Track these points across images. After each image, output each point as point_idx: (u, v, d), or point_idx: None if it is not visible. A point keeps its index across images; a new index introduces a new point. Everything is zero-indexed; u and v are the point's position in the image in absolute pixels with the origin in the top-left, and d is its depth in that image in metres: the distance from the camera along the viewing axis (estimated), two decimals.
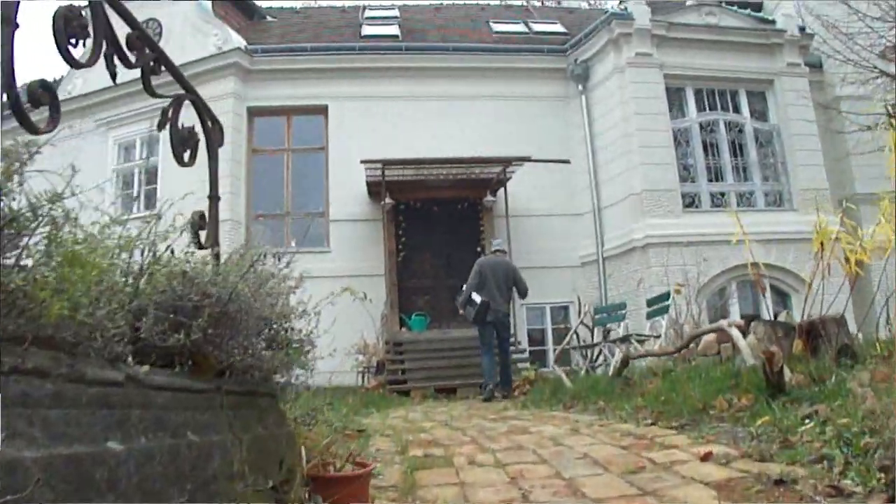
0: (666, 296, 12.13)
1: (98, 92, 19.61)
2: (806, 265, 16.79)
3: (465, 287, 12.98)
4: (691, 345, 9.28)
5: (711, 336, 9.25)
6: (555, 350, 18.14)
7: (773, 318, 6.01)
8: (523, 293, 13.19)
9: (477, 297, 12.49)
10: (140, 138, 19.94)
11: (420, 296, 17.87)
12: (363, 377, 16.42)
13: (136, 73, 3.21)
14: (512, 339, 15.67)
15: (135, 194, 19.81)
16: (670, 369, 7.68)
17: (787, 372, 5.27)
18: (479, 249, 17.84)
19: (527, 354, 16.98)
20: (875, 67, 17.62)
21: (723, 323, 6.64)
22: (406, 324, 17.45)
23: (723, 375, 5.99)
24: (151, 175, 19.58)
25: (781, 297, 17.58)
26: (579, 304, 17.66)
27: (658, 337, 11.17)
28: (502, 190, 17.59)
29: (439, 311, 17.52)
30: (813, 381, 5.26)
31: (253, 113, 19.34)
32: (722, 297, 17.43)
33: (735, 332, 6.17)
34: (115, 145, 20.21)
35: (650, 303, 12.81)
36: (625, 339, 11.85)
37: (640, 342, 11.49)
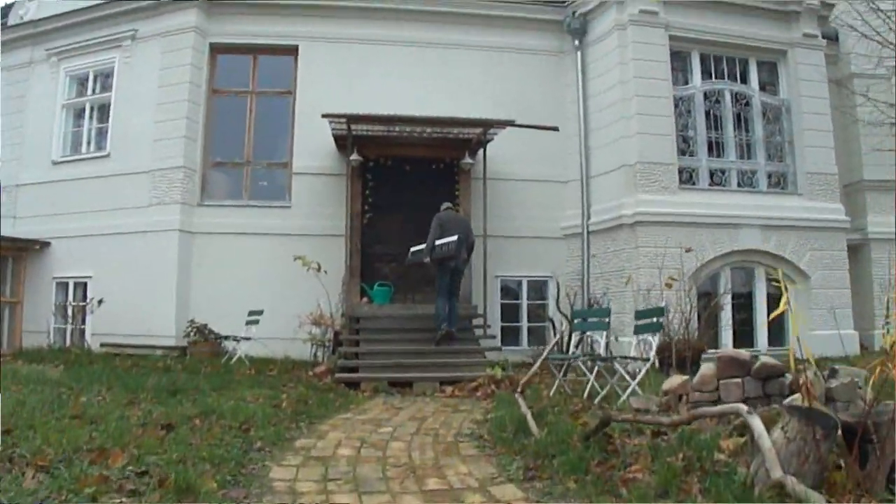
0: (659, 311, 10.56)
1: (51, 18, 18.27)
2: (806, 255, 15.59)
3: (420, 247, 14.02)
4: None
5: (710, 369, 7.79)
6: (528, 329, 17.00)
7: (808, 408, 4.30)
8: (471, 247, 14.27)
9: (441, 241, 13.59)
10: (93, 71, 18.39)
11: (385, 263, 16.38)
12: (317, 353, 15.21)
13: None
14: (479, 322, 15.01)
15: (85, 132, 18.33)
16: (661, 432, 6.13)
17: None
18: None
19: (497, 342, 15.56)
20: (892, 44, 16.10)
21: (741, 408, 5.02)
22: (368, 294, 15.96)
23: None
24: (104, 111, 18.09)
25: (777, 289, 16.14)
26: (558, 289, 16.17)
27: (647, 360, 9.62)
28: (482, 151, 15.98)
29: (406, 281, 16.03)
30: None
31: (216, 50, 17.69)
32: (714, 284, 15.96)
33: (757, 425, 4.61)
34: (66, 77, 18.63)
35: (639, 315, 11.22)
36: (607, 360, 10.30)
37: (626, 366, 9.94)
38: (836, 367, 7.07)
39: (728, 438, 5.76)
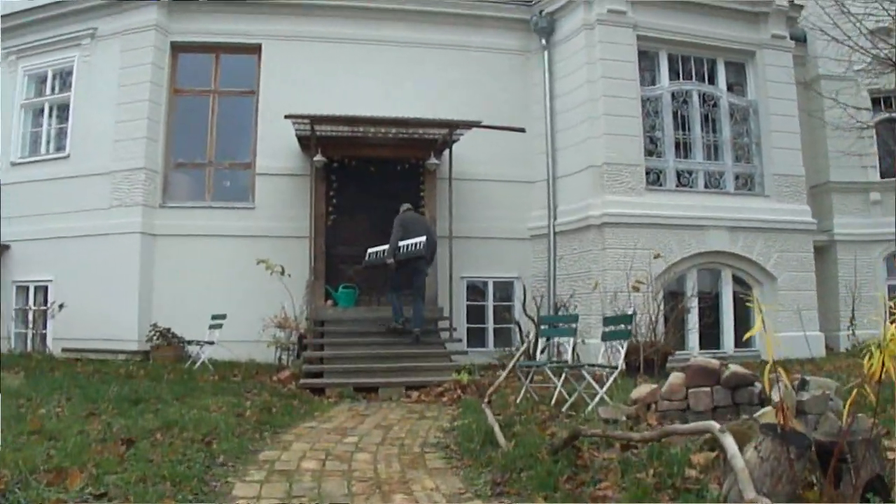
0: (627, 318, 10.41)
1: (9, 16, 17.64)
2: (773, 257, 15.58)
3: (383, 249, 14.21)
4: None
5: (679, 378, 7.66)
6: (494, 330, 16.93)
7: (783, 427, 4.15)
8: (433, 246, 14.20)
9: (406, 242, 13.83)
10: (52, 70, 18.00)
11: (350, 265, 16.07)
12: (281, 357, 15.00)
13: None
14: (445, 324, 14.91)
15: (44, 132, 17.99)
16: (631, 445, 5.96)
17: None
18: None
19: (463, 345, 15.33)
20: (863, 48, 16.12)
21: (713, 426, 4.86)
22: (332, 296, 15.77)
23: None
24: (63, 112, 17.74)
25: (744, 289, 16.14)
26: (524, 291, 16.06)
27: (615, 368, 9.45)
28: (448, 151, 15.84)
29: (370, 283, 15.80)
30: None
31: (177, 48, 17.32)
32: (681, 286, 15.89)
33: (730, 445, 4.45)
34: (24, 76, 18.21)
35: (608, 321, 11.06)
36: (574, 368, 10.13)
37: (594, 373, 9.79)
38: (807, 377, 6.96)
39: (699, 452, 5.63)
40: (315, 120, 14.63)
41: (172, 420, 8.09)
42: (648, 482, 5.10)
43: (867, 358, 4.06)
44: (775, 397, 5.33)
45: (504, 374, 10.29)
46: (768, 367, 4.39)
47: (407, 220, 14.19)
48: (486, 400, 9.26)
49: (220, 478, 6.16)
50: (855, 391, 4.26)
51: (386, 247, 14.11)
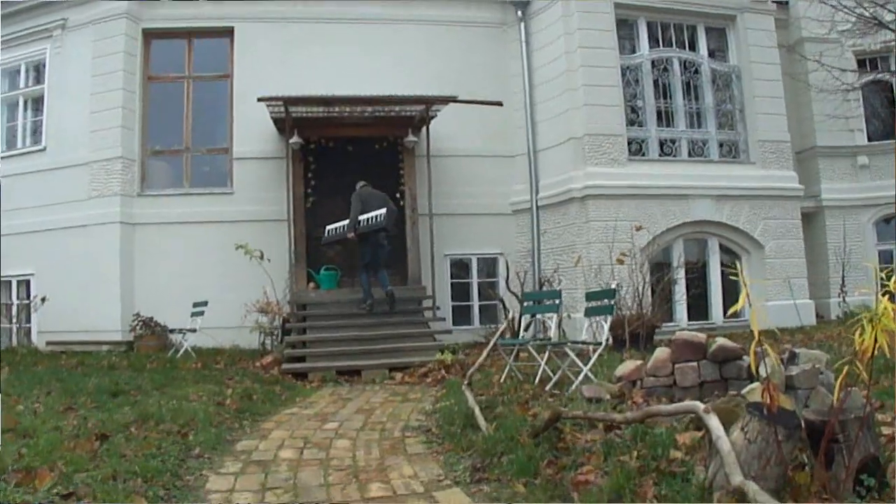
0: (610, 293, 10.15)
1: None
2: (759, 225, 15.44)
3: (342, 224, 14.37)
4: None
5: (665, 353, 7.49)
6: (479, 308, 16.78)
7: (769, 412, 3.94)
8: (392, 215, 14.22)
9: (364, 217, 13.96)
10: (25, 63, 17.77)
11: (330, 246, 15.81)
12: (265, 342, 14.82)
13: None
14: (429, 304, 14.81)
15: (20, 126, 17.81)
16: (615, 426, 5.77)
17: None
18: (398, 195, 16.10)
19: (448, 324, 15.23)
20: (846, 8, 15.91)
21: (697, 406, 4.68)
22: (314, 279, 15.61)
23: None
24: (38, 104, 17.59)
25: (731, 258, 15.98)
26: (507, 268, 15.88)
27: (599, 345, 9.23)
28: (426, 128, 15.63)
29: (352, 264, 15.51)
30: None
31: (149, 35, 17.05)
32: (666, 257, 15.72)
33: (715, 426, 4.26)
34: None
35: (590, 296, 10.79)
36: (557, 346, 9.92)
37: (578, 351, 9.57)
38: (796, 350, 6.76)
39: (685, 432, 5.43)
40: (288, 101, 14.39)
41: (149, 412, 7.87)
42: (632, 465, 4.89)
43: (858, 333, 3.87)
44: (763, 373, 5.15)
45: (484, 354, 10.07)
46: (754, 343, 4.19)
47: (364, 195, 14.27)
48: (465, 381, 9.07)
49: (194, 471, 6.01)
50: (845, 369, 4.06)
51: (345, 222, 14.14)
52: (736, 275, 4.29)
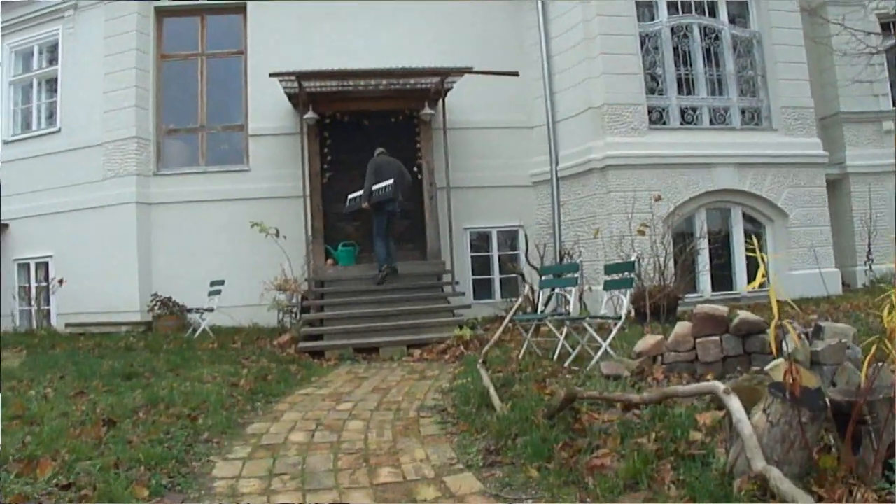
0: (630, 265, 9.88)
1: None
2: (783, 193, 15.15)
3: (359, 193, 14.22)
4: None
5: (686, 327, 7.28)
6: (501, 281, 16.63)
7: (791, 395, 3.70)
8: (407, 185, 14.43)
9: (379, 185, 13.85)
10: (38, 45, 17.70)
11: (349, 222, 15.82)
12: (283, 320, 14.77)
13: None
14: (448, 278, 14.66)
15: (35, 108, 17.78)
16: (633, 405, 5.58)
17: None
18: (415, 168, 15.90)
19: (467, 299, 15.08)
20: None
21: (717, 387, 4.47)
22: (332, 255, 15.50)
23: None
24: (52, 86, 17.53)
25: (755, 227, 15.71)
26: (526, 241, 15.66)
27: (619, 319, 8.99)
28: (441, 100, 15.42)
29: (372, 239, 15.23)
30: None
31: (161, 13, 16.94)
32: (689, 227, 15.46)
33: (736, 408, 4.05)
34: (11, 53, 17.94)
35: (609, 269, 10.51)
36: (576, 321, 9.70)
37: (597, 326, 9.35)
38: (822, 323, 6.52)
39: (705, 412, 5.22)
40: (301, 76, 14.21)
41: (159, 396, 7.76)
42: (649, 448, 4.70)
43: (886, 311, 3.64)
44: (787, 349, 4.94)
45: (499, 331, 9.86)
46: (773, 322, 3.97)
47: (379, 164, 14.19)
48: (481, 360, 8.88)
49: (201, 457, 5.87)
50: (874, 347, 3.84)
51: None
52: (753, 251, 4.05)
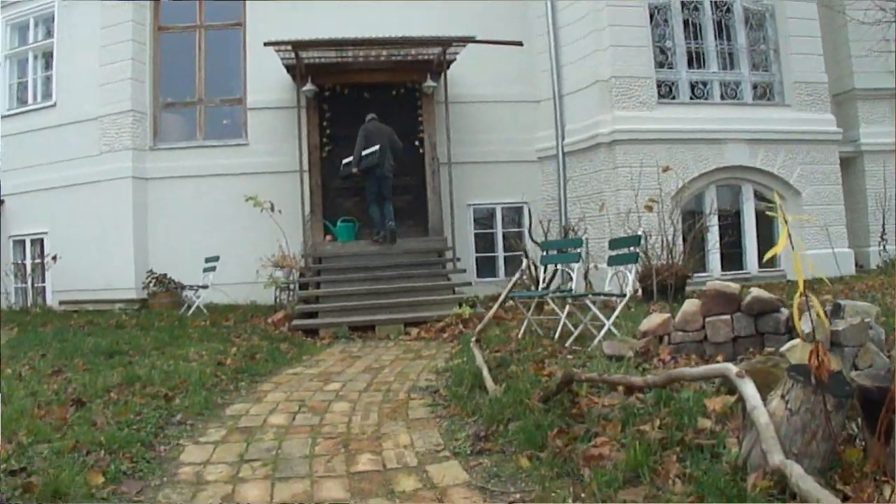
0: (635, 240, 9.40)
1: None
2: (796, 170, 14.71)
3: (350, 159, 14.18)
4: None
5: (694, 305, 6.85)
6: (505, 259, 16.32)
7: (817, 379, 3.25)
8: (398, 151, 14.44)
9: (367, 151, 13.89)
10: (34, 17, 17.35)
11: (348, 197, 15.51)
12: (280, 297, 14.43)
13: None
14: (448, 255, 14.61)
15: (30, 82, 17.44)
16: (636, 388, 5.15)
17: None
18: (416, 143, 15.60)
19: (468, 276, 14.76)
20: None
21: (728, 369, 4.00)
22: (331, 231, 15.11)
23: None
24: (48, 59, 17.22)
25: (767, 207, 15.27)
26: (529, 217, 15.23)
27: (623, 297, 8.56)
28: (443, 72, 15.10)
29: (371, 215, 14.90)
30: None
31: None
32: (698, 205, 15.03)
33: (750, 394, 3.60)
34: (6, 26, 17.60)
35: (614, 244, 10.04)
36: (578, 297, 9.26)
37: (599, 303, 8.92)
38: (841, 301, 6.07)
39: (715, 397, 4.75)
40: (297, 45, 13.86)
41: (137, 375, 7.37)
42: (653, 437, 4.24)
43: None
44: (805, 329, 4.49)
45: (493, 308, 9.41)
46: (798, 294, 3.53)
47: (370, 130, 14.17)
48: (474, 338, 8.45)
49: (171, 440, 5.52)
50: None
51: None
52: (774, 210, 3.59)
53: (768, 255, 4.34)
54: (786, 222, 3.51)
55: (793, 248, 3.53)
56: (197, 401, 6.52)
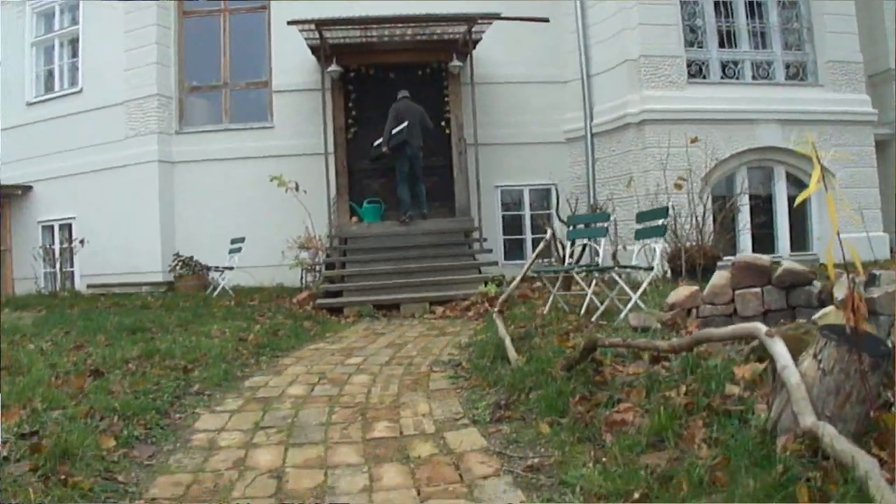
0: (662, 212, 9.20)
1: None
2: (829, 152, 14.41)
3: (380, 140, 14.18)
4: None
5: (724, 278, 6.66)
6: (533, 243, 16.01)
7: (853, 330, 3.06)
8: (428, 130, 14.47)
9: (397, 129, 13.83)
10: (59, 5, 17.40)
11: (374, 179, 15.55)
12: (306, 278, 14.40)
13: None
14: (475, 235, 14.53)
15: (57, 69, 17.52)
16: (662, 357, 5.00)
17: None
18: (442, 124, 15.55)
19: (495, 256, 14.70)
20: None
21: (758, 328, 3.81)
22: (357, 213, 15.12)
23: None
24: (74, 46, 17.27)
25: (799, 189, 14.98)
26: (557, 197, 15.03)
27: (650, 269, 8.39)
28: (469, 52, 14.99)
29: (397, 196, 14.83)
30: None
31: None
32: (729, 187, 14.79)
33: (781, 353, 3.41)
34: (33, 15, 17.68)
35: (641, 217, 9.88)
36: (604, 270, 9.10)
37: (627, 276, 8.76)
38: (876, 271, 5.86)
39: (744, 365, 4.55)
40: (321, 24, 13.77)
41: (156, 348, 7.30)
42: (678, 402, 4.09)
43: None
44: (839, 294, 4.30)
45: (518, 278, 9.26)
46: (829, 246, 3.34)
47: (400, 109, 14.16)
48: (497, 310, 8.32)
49: (188, 408, 5.47)
50: None
51: None
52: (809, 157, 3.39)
53: (800, 199, 4.13)
54: (819, 162, 3.30)
55: (826, 189, 3.33)
56: (216, 373, 6.48)
